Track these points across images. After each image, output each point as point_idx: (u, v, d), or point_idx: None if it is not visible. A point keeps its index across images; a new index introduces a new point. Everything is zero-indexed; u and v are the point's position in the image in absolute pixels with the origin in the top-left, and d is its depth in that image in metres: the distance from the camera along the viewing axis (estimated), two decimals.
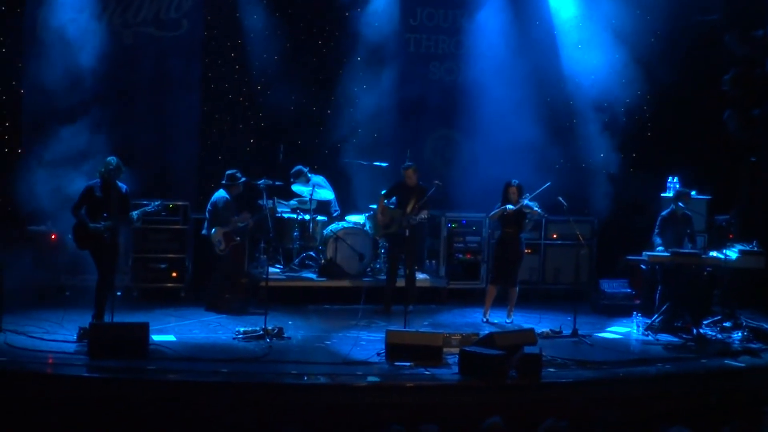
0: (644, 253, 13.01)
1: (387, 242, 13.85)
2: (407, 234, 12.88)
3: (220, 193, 13.14)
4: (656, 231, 13.04)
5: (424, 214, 13.09)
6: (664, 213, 13.15)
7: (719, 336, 12.65)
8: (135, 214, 11.53)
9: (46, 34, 13.50)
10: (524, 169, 14.24)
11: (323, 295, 13.91)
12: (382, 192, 13.66)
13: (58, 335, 11.08)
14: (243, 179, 13.19)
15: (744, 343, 12.29)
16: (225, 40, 15.07)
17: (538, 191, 12.80)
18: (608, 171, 15.14)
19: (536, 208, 12.82)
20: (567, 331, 12.37)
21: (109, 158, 11.45)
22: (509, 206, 12.82)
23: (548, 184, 12.84)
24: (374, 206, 13.94)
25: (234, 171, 13.18)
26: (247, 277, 13.72)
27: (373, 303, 13.43)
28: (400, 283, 13.51)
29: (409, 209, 13.17)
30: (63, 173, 12.53)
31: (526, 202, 12.82)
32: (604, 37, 14.96)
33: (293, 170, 14.42)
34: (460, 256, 14.86)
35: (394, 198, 13.53)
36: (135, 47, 14.46)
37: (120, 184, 11.45)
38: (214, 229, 12.99)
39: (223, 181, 13.16)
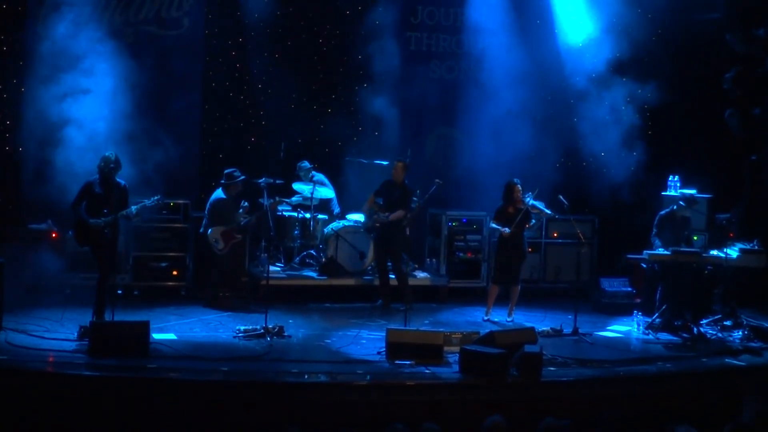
0: (645, 251, 13.00)
1: (373, 238, 13.85)
2: (386, 230, 12.97)
3: (217, 194, 13.12)
4: (654, 231, 13.02)
5: (398, 214, 13.16)
6: (663, 212, 13.14)
7: (720, 335, 12.65)
8: (134, 208, 11.47)
9: (47, 32, 13.49)
10: (525, 168, 14.26)
11: (324, 294, 13.90)
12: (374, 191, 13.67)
13: (59, 333, 11.07)
14: (242, 177, 13.17)
15: (744, 342, 12.30)
16: (226, 38, 15.07)
17: (529, 203, 12.80)
18: (609, 169, 15.13)
19: (543, 208, 12.82)
20: (567, 330, 12.37)
21: (107, 153, 11.39)
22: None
23: (529, 193, 12.85)
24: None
25: (232, 169, 13.15)
26: (247, 275, 13.72)
27: (372, 301, 13.56)
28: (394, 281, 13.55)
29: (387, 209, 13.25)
30: (63, 173, 12.52)
31: (531, 202, 12.79)
32: (605, 36, 14.93)
33: (298, 165, 14.48)
34: (461, 254, 14.86)
35: (381, 197, 13.54)
36: (136, 46, 14.44)
37: (118, 179, 11.42)
38: (210, 230, 12.95)
39: (222, 180, 13.13)
